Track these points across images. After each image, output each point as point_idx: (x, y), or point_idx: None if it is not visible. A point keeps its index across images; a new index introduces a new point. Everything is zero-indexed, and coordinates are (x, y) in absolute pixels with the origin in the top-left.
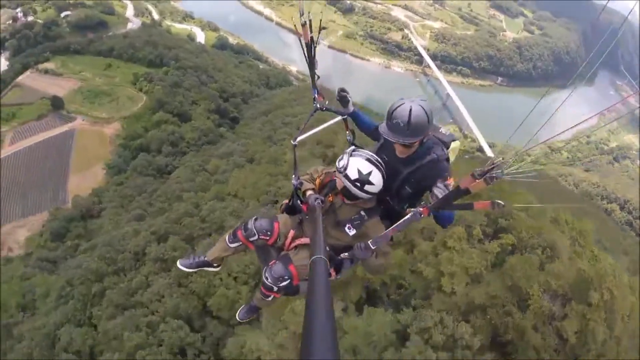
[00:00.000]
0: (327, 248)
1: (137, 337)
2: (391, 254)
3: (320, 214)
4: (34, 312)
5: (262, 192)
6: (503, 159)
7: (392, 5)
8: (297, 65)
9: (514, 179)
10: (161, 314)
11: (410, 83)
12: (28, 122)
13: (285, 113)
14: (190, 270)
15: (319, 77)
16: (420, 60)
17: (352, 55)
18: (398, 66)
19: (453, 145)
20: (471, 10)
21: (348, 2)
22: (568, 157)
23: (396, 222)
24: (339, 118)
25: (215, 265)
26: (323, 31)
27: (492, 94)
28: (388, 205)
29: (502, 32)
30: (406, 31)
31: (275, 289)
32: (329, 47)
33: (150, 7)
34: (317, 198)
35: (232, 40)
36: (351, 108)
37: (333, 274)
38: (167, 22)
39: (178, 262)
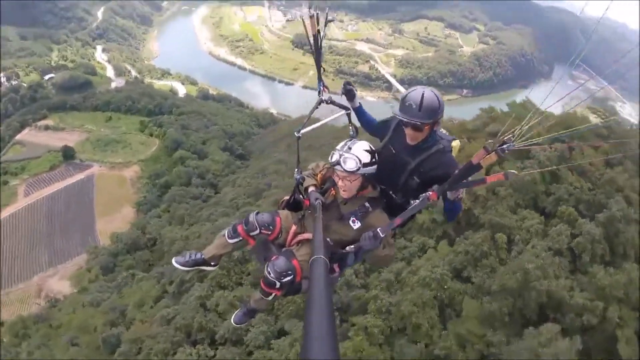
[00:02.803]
0: (332, 243)
1: None
2: (394, 245)
3: (321, 214)
4: (128, 325)
5: None
6: (512, 132)
7: (355, 40)
8: (277, 108)
9: (524, 147)
10: None
11: (385, 109)
12: (40, 174)
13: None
14: (186, 268)
15: (324, 69)
16: (389, 87)
17: None
18: (370, 96)
19: (453, 144)
20: (428, 34)
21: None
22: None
23: (397, 213)
24: (343, 112)
25: (212, 263)
26: (295, 72)
27: (460, 105)
28: (391, 201)
29: (460, 49)
30: (372, 62)
31: (278, 284)
32: (304, 87)
33: (128, 66)
34: (318, 198)
35: (211, 91)
36: (357, 102)
37: (337, 270)
38: (148, 80)
39: (173, 260)
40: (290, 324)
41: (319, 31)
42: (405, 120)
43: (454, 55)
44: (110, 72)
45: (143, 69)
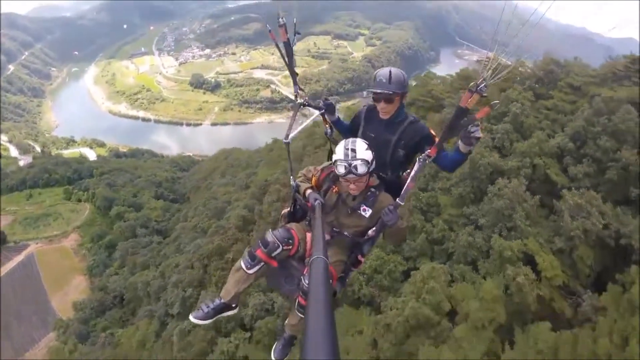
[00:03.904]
0: (350, 237)
1: None
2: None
3: (320, 214)
4: None
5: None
6: (482, 77)
7: (251, 69)
8: (191, 150)
9: (497, 80)
10: None
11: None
12: None
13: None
14: (208, 321)
15: (297, 74)
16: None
17: (235, 123)
18: (279, 117)
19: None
20: (318, 49)
21: (212, 80)
22: None
23: (394, 192)
24: (318, 113)
25: (234, 305)
26: (201, 111)
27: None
28: (384, 181)
29: (350, 55)
30: (273, 86)
31: None
32: (212, 124)
33: (31, 142)
34: (317, 199)
35: (122, 149)
36: (336, 115)
37: (362, 260)
38: (54, 151)
39: (191, 317)
40: None
41: (288, 39)
42: (378, 91)
43: (347, 63)
44: (14, 151)
45: (47, 142)
